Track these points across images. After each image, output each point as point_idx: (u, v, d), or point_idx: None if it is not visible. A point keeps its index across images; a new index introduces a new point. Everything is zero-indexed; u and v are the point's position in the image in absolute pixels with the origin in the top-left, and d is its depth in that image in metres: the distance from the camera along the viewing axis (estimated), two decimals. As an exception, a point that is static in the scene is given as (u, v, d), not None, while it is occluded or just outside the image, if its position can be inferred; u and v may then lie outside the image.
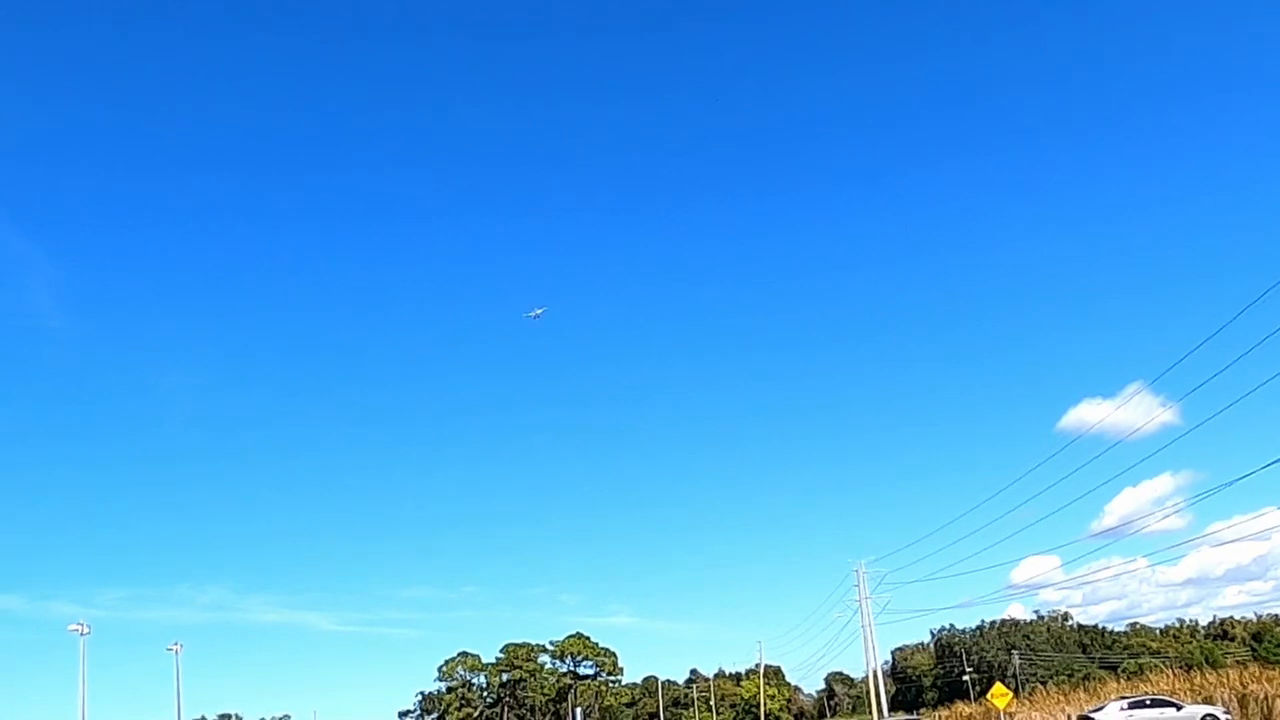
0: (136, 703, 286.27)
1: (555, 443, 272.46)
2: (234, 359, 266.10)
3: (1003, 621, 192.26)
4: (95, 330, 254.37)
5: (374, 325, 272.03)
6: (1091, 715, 52.19)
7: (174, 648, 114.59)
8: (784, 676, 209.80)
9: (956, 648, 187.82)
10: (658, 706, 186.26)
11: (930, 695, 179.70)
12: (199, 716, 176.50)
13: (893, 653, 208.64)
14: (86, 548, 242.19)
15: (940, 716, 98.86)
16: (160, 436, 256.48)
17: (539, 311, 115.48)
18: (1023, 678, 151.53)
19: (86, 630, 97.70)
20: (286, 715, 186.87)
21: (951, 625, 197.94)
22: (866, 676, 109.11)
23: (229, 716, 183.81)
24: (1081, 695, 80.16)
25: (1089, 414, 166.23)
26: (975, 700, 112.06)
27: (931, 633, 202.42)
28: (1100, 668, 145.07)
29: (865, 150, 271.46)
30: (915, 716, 49.52)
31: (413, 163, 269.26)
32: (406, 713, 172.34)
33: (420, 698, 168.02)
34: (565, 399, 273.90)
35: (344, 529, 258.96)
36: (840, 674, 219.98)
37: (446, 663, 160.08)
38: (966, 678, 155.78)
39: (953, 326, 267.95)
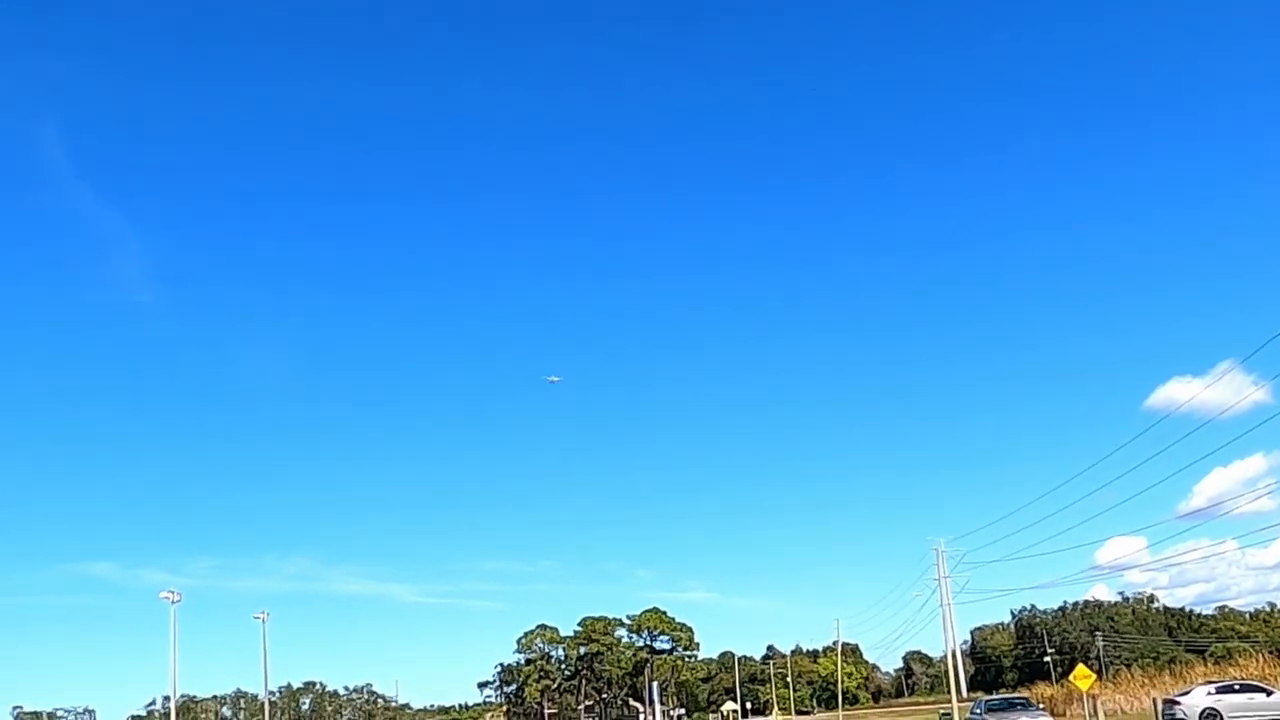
0: (225, 669, 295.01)
1: (633, 420, 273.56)
2: (317, 334, 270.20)
3: (1086, 603, 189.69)
4: (183, 304, 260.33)
5: (456, 301, 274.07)
6: (1177, 699, 51.12)
7: (261, 616, 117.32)
8: (861, 654, 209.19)
9: (1038, 628, 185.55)
10: (734, 682, 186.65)
11: (1010, 676, 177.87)
12: (285, 684, 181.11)
13: (972, 632, 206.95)
14: (177, 518, 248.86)
15: (981, 698, 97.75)
16: (246, 409, 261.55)
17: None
18: (1106, 660, 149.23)
19: (177, 598, 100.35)
20: (369, 684, 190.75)
21: (1033, 606, 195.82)
22: (945, 656, 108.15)
23: (313, 684, 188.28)
24: (1167, 679, 78.81)
25: (1178, 392, 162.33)
26: (1056, 682, 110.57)
27: (1012, 613, 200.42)
28: (1187, 651, 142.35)
29: (966, 130, 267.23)
30: (1025, 701, 50.86)
31: (512, 143, 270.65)
32: (486, 684, 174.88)
33: (500, 669, 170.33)
34: (645, 377, 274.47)
35: (425, 502, 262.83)
36: (918, 653, 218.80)
37: (525, 635, 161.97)
38: (1048, 659, 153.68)
39: (1040, 305, 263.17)
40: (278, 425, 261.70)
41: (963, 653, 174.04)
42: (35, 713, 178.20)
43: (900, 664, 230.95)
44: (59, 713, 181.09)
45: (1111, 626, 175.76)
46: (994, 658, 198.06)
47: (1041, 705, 56.16)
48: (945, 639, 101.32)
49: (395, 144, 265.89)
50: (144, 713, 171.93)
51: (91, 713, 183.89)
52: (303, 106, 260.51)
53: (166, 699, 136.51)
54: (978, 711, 48.55)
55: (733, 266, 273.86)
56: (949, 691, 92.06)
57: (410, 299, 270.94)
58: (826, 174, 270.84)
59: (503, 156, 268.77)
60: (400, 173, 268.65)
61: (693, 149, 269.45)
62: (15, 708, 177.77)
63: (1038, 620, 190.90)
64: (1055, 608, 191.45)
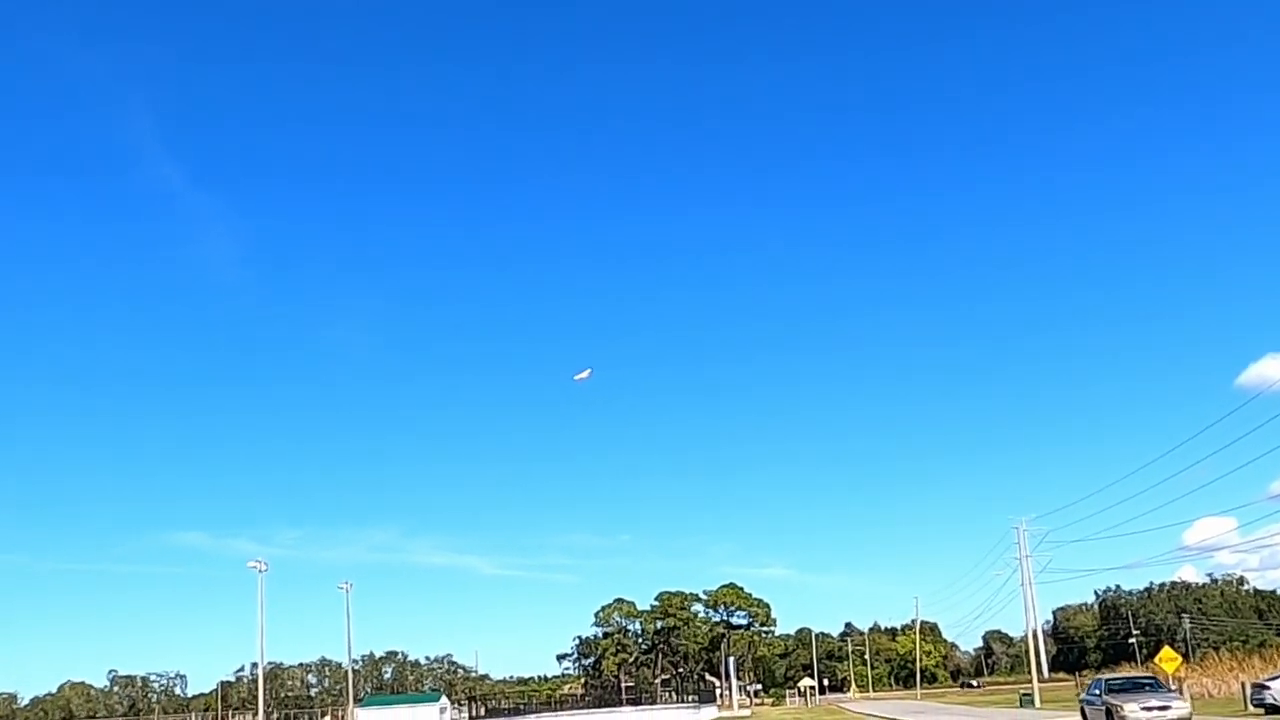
0: (310, 637, 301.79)
1: (712, 396, 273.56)
2: (398, 312, 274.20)
3: (1173, 584, 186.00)
4: (272, 282, 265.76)
5: (533, 278, 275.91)
6: (1266, 684, 49.81)
7: (344, 586, 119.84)
8: (940, 633, 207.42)
9: (1122, 609, 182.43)
10: (811, 658, 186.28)
11: (1094, 657, 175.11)
12: (367, 652, 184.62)
13: (1054, 612, 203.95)
14: (265, 490, 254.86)
15: (1099, 677, 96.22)
16: (331, 386, 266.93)
17: (586, 374, 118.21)
18: (1193, 643, 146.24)
19: (264, 567, 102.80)
20: (449, 654, 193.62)
21: (1118, 586, 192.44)
22: (1026, 636, 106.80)
23: (395, 654, 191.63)
24: (1256, 663, 77.00)
25: (1271, 369, 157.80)
26: (1141, 664, 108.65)
27: (1096, 593, 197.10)
28: (1277, 635, 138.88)
29: (1066, 100, 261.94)
30: (1154, 680, 42.11)
31: (591, 122, 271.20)
32: (564, 656, 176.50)
33: (577, 642, 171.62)
34: (726, 353, 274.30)
35: (505, 476, 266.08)
36: (999, 632, 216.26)
37: (603, 609, 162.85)
38: (1132, 640, 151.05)
39: (1131, 281, 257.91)
40: (361, 401, 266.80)
41: (1044, 633, 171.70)
42: (130, 677, 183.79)
43: (980, 643, 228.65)
44: (152, 677, 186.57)
45: (1199, 608, 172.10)
46: (1077, 639, 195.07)
47: (1174, 686, 47.50)
48: (1026, 619, 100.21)
49: (475, 126, 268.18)
50: (233, 678, 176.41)
51: (183, 678, 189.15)
52: (388, 89, 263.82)
53: (254, 665, 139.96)
54: (1096, 692, 41.83)
55: (811, 242, 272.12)
56: (1029, 672, 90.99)
57: (488, 276, 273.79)
58: (915, 148, 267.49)
59: (579, 136, 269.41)
60: (478, 155, 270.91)
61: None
62: (111, 671, 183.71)
63: (1123, 601, 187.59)
64: (1141, 589, 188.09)
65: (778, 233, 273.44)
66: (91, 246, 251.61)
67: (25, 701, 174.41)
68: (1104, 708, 38.78)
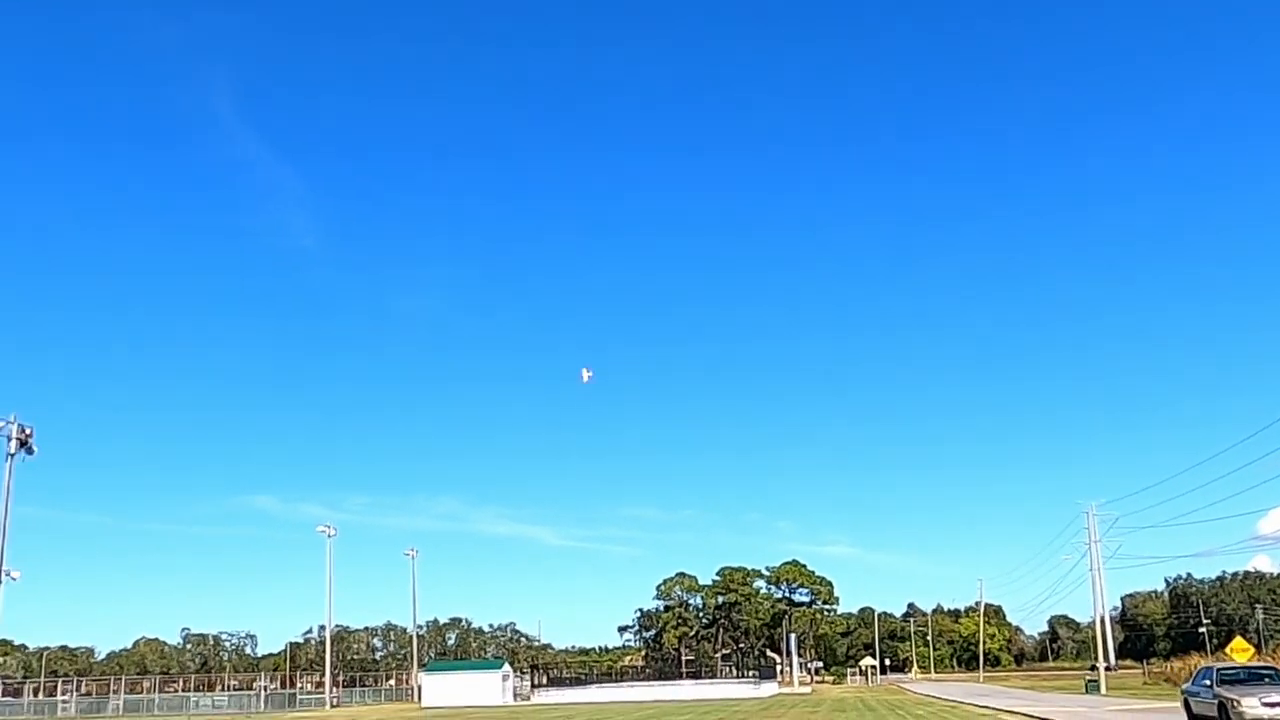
0: (376, 602, 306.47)
1: (776, 371, 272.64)
2: (469, 283, 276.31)
3: (1246, 574, 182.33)
4: (343, 252, 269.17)
5: (602, 250, 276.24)
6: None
7: (410, 553, 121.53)
8: (1005, 616, 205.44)
9: (1193, 598, 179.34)
10: (873, 637, 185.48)
11: (1162, 645, 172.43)
12: (431, 618, 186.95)
13: (1123, 599, 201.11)
14: (335, 456, 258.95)
15: (1171, 668, 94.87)
16: (400, 355, 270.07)
17: (589, 374, 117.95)
18: (1266, 633, 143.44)
19: (333, 532, 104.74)
20: (512, 623, 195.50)
21: (1189, 574, 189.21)
22: (1093, 621, 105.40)
23: (459, 620, 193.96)
24: (1332, 656, 75.34)
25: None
26: (1211, 654, 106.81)
27: (1166, 581, 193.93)
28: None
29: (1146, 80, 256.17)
30: (1274, 671, 34.24)
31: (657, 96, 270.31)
32: (626, 628, 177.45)
33: (639, 615, 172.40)
34: (792, 330, 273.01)
35: (570, 447, 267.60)
36: (1064, 617, 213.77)
37: (664, 582, 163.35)
38: (1203, 630, 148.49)
39: (1213, 264, 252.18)
40: (430, 369, 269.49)
41: (1112, 619, 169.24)
42: (202, 635, 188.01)
43: (1045, 627, 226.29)
44: (223, 636, 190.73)
45: (1273, 599, 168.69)
46: (1145, 626, 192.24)
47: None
48: (1094, 604, 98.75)
49: (551, 98, 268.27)
50: (301, 640, 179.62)
51: (253, 638, 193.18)
52: (464, 61, 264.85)
53: (322, 628, 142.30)
54: (1205, 682, 36.18)
55: (883, 219, 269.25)
56: (1096, 658, 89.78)
57: (557, 246, 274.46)
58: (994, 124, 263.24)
59: (657, 109, 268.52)
60: (550, 126, 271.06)
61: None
62: (184, 629, 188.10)
63: (1194, 590, 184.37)
64: (1213, 578, 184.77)
65: (854, 209, 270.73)
66: (170, 214, 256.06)
67: (102, 655, 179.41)
68: (1216, 701, 33.78)
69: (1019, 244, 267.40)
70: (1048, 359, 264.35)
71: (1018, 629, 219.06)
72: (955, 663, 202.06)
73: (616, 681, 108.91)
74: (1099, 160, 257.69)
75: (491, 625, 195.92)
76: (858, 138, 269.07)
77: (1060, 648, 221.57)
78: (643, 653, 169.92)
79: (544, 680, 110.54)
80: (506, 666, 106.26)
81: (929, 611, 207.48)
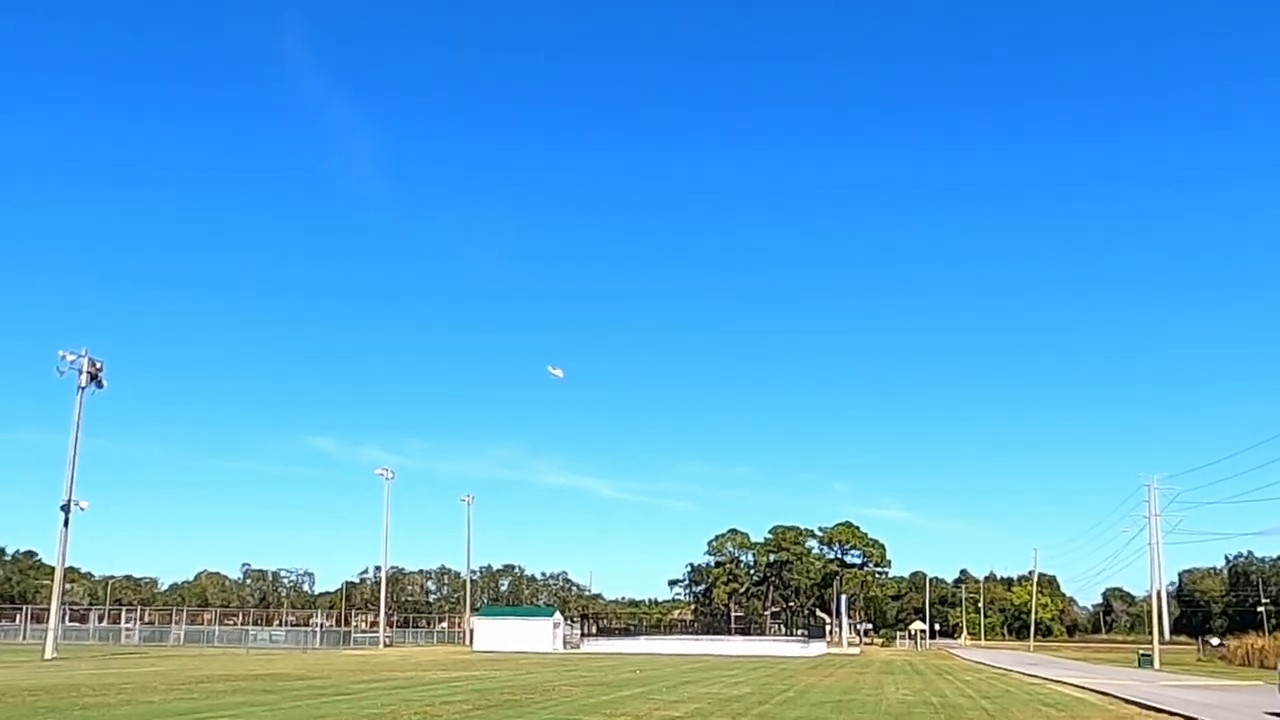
0: (431, 545, 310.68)
1: (840, 332, 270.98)
2: (532, 233, 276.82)
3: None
4: (409, 197, 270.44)
5: (666, 207, 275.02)
6: None
7: (467, 499, 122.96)
8: (1059, 586, 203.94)
9: (1253, 576, 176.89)
10: (923, 602, 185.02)
11: (1218, 623, 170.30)
12: (486, 564, 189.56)
13: (1180, 574, 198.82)
14: (395, 401, 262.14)
15: (1228, 646, 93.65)
16: (464, 302, 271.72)
17: (559, 372, 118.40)
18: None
19: (391, 476, 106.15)
20: (564, 572, 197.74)
21: (1249, 552, 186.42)
22: (1149, 596, 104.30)
23: (512, 567, 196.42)
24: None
25: None
26: (1270, 633, 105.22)
27: (1226, 558, 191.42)
28: None
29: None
30: None
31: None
32: (676, 582, 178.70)
33: (690, 569, 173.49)
34: (851, 294, 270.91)
35: (627, 402, 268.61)
36: (1120, 590, 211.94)
37: (716, 538, 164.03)
38: (1261, 609, 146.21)
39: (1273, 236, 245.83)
40: (493, 319, 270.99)
41: (1169, 595, 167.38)
42: (261, 571, 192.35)
43: (1099, 600, 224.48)
44: (282, 572, 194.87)
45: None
46: (1202, 602, 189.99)
47: None
48: (1151, 579, 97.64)
49: (620, 52, 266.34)
50: (356, 580, 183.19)
51: (311, 575, 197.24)
52: (532, 11, 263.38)
53: (378, 569, 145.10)
54: None
55: (948, 182, 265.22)
56: (1150, 632, 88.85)
57: (624, 201, 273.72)
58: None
59: (722, 66, 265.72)
60: (620, 81, 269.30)
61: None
62: (244, 564, 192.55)
63: (1254, 568, 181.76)
64: (1275, 556, 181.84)
65: (926, 170, 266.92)
66: (239, 155, 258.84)
67: (165, 586, 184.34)
68: None
69: (1091, 213, 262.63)
70: (1116, 331, 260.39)
71: (1071, 600, 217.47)
72: (1006, 631, 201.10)
73: (665, 634, 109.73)
74: (1186, 129, 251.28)
75: (544, 573, 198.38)
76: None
77: (1114, 621, 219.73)
78: (692, 607, 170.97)
79: (593, 630, 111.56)
80: (557, 615, 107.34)
81: (981, 578, 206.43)
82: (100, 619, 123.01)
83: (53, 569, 77.30)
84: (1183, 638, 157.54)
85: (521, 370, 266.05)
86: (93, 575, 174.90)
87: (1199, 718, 26.03)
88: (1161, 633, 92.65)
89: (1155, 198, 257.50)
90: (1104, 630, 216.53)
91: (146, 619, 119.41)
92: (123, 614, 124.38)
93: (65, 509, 64.78)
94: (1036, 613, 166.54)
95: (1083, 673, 58.92)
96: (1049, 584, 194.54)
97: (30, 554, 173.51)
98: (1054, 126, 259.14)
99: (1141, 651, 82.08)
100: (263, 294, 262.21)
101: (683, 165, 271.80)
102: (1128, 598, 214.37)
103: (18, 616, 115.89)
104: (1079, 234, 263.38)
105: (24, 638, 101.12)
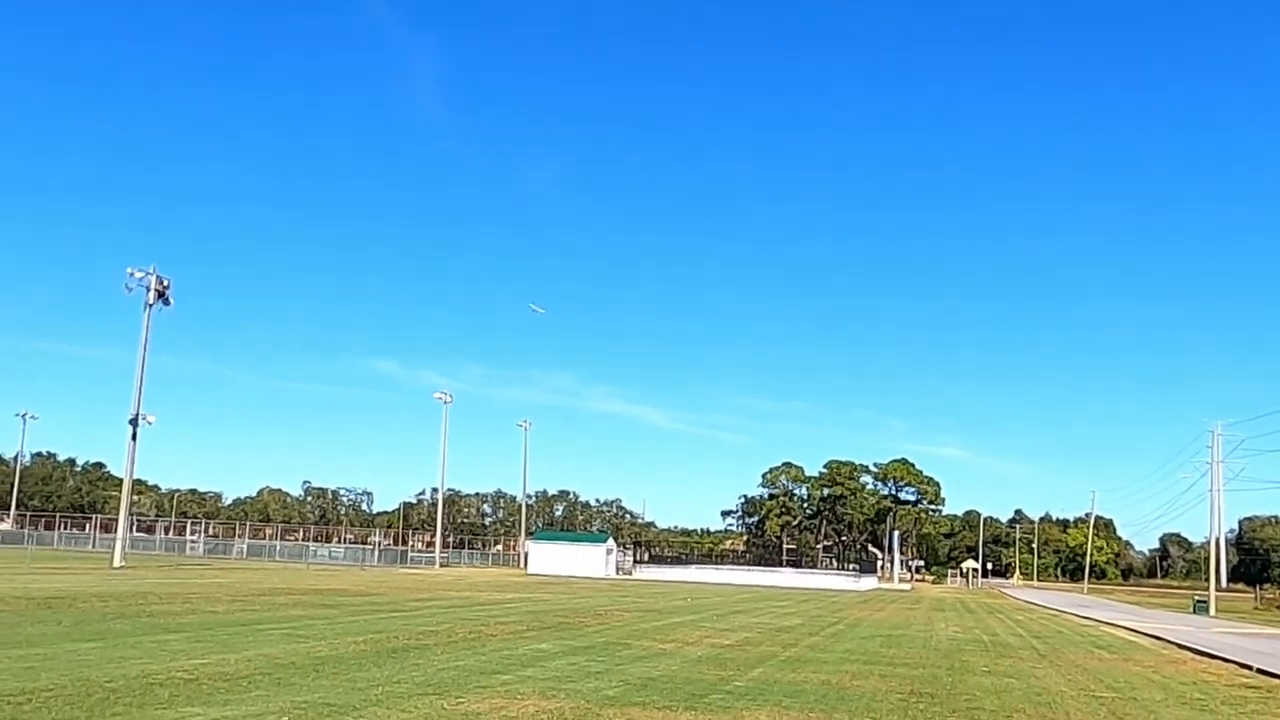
0: (487, 469, 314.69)
1: (898, 270, 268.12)
2: (592, 162, 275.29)
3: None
4: (471, 124, 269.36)
5: (726, 139, 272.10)
6: None
7: (523, 424, 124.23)
8: (1115, 530, 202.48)
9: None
10: (977, 541, 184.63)
11: (1277, 571, 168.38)
12: (541, 489, 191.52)
13: (1240, 522, 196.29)
14: (454, 326, 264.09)
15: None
16: (523, 229, 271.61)
17: (539, 309, 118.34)
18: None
19: (450, 400, 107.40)
20: (618, 499, 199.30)
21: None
22: (1207, 542, 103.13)
23: (567, 493, 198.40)
24: None
25: None
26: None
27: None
28: None
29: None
30: None
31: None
32: (729, 513, 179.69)
33: (743, 500, 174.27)
34: (915, 230, 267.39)
35: (684, 333, 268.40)
36: (1177, 536, 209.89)
37: (770, 470, 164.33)
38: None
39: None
40: (551, 247, 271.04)
41: (1228, 542, 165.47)
42: (321, 489, 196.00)
43: (1156, 544, 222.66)
44: (341, 491, 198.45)
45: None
46: (1261, 551, 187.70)
47: None
48: (1210, 525, 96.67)
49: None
50: (414, 500, 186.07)
51: (369, 495, 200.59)
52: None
53: (435, 490, 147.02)
54: None
55: (1030, 127, 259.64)
56: (1206, 579, 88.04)
57: (674, 136, 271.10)
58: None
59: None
60: (678, 14, 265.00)
61: None
62: (305, 482, 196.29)
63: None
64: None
65: (999, 112, 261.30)
66: (303, 80, 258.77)
67: (228, 501, 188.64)
68: None
69: (1153, 165, 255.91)
70: (1183, 274, 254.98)
71: (1127, 544, 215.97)
72: (1059, 572, 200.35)
73: (716, 564, 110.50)
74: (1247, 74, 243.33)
75: (598, 500, 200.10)
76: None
77: (1170, 566, 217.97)
78: (744, 538, 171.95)
79: (646, 557, 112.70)
80: (610, 541, 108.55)
81: (1036, 519, 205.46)
82: (166, 530, 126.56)
83: (121, 481, 79.38)
84: (1240, 585, 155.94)
85: (578, 298, 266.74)
86: (159, 488, 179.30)
87: (1253, 665, 25.80)
88: (1218, 580, 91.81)
89: (1228, 140, 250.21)
90: (1159, 575, 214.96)
91: (210, 532, 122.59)
92: (188, 526, 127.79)
93: (133, 423, 66.33)
94: (1091, 555, 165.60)
95: (1136, 617, 58.63)
96: (1105, 527, 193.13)
97: (99, 465, 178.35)
98: (1137, 65, 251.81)
99: (1197, 597, 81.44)
100: (326, 217, 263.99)
101: (746, 100, 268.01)
102: (1185, 543, 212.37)
103: (87, 526, 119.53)
104: (1146, 176, 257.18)
105: (93, 546, 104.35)
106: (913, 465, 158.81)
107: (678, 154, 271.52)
